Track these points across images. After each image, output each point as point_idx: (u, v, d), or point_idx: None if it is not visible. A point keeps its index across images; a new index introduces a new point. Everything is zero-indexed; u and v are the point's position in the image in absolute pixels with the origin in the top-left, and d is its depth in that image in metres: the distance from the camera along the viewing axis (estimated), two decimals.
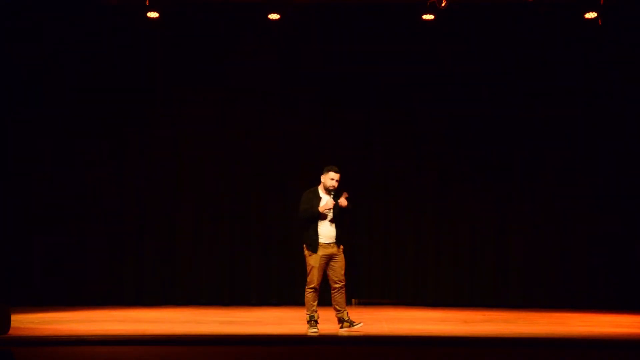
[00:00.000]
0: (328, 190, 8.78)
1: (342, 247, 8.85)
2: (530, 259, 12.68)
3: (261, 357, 7.74)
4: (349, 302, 12.71)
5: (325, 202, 8.75)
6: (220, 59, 12.87)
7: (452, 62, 12.83)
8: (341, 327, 8.86)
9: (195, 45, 12.84)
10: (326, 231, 8.76)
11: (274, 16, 12.08)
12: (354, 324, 8.86)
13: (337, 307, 8.87)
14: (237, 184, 12.88)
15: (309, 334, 8.66)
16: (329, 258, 8.80)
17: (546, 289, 12.60)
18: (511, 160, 12.79)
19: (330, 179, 8.80)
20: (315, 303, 8.80)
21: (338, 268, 8.82)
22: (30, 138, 12.62)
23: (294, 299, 12.66)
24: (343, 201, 8.74)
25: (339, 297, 8.86)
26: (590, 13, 11.75)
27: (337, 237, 8.78)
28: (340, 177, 8.85)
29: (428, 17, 11.91)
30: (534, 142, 12.74)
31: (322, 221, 8.75)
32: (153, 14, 11.89)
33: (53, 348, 7.82)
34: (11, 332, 8.45)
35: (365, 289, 12.74)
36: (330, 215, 8.75)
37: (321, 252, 8.75)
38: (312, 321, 8.75)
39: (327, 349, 8.09)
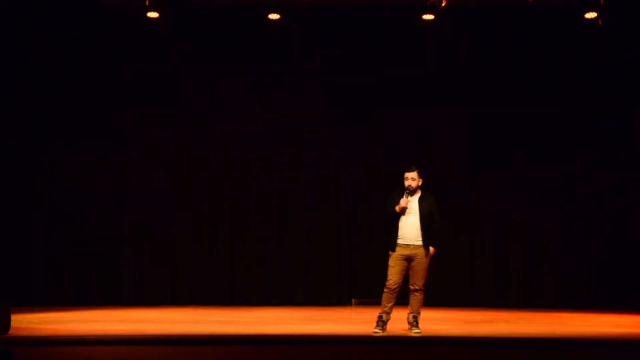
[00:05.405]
0: (406, 190, 8.65)
1: (431, 251, 8.61)
2: (530, 259, 12.68)
3: (261, 357, 7.74)
4: (348, 302, 12.79)
5: (400, 201, 8.59)
6: (220, 58, 12.87)
7: (451, 62, 12.84)
8: (410, 329, 8.67)
9: (195, 45, 12.85)
10: (408, 232, 8.58)
11: (274, 16, 12.09)
12: (412, 330, 8.64)
13: (409, 308, 8.71)
14: (237, 184, 12.88)
15: (372, 332, 8.59)
16: (409, 259, 8.61)
17: (546, 289, 12.60)
18: (511, 160, 12.79)
19: (404, 178, 8.68)
20: (390, 304, 8.59)
21: (414, 271, 8.60)
22: (28, 138, 12.62)
23: (294, 299, 12.71)
24: (401, 202, 8.60)
25: (411, 299, 8.67)
26: (590, 13, 11.76)
27: (423, 239, 8.57)
28: (418, 174, 8.66)
29: (428, 17, 11.92)
30: (533, 142, 12.74)
31: (405, 222, 8.59)
32: (153, 14, 11.90)
33: (53, 348, 7.82)
34: (11, 332, 8.45)
35: (365, 289, 12.75)
36: (412, 216, 8.57)
37: (399, 252, 8.59)
38: (379, 321, 8.59)
39: (327, 348, 8.09)
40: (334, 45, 12.88)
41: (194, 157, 12.87)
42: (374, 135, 12.93)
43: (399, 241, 8.62)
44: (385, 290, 8.63)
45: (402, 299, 8.83)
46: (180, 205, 12.82)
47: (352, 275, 12.87)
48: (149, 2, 11.62)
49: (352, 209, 12.92)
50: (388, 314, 8.64)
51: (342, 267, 12.81)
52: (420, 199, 8.69)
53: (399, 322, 8.92)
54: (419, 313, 8.69)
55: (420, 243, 8.60)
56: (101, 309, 11.70)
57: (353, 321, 10.43)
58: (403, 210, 8.61)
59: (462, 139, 12.84)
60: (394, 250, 8.63)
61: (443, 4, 11.16)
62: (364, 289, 12.80)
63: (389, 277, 8.61)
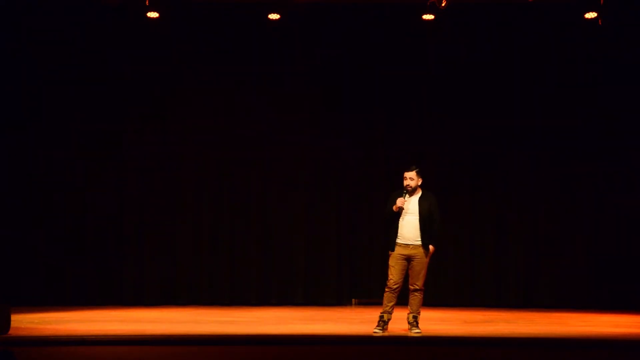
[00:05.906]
0: (404, 190, 8.65)
1: (431, 250, 8.62)
2: (530, 259, 12.68)
3: (261, 357, 7.74)
4: (348, 302, 12.79)
5: (397, 201, 8.59)
6: (220, 58, 12.87)
7: (451, 62, 12.84)
8: (410, 329, 8.70)
9: (195, 45, 12.85)
10: (407, 232, 8.60)
11: (274, 16, 12.09)
12: (412, 330, 8.66)
13: (409, 308, 8.73)
14: (238, 184, 12.87)
15: (372, 332, 8.62)
16: (409, 259, 8.63)
17: (546, 289, 12.60)
18: (511, 161, 12.78)
19: (403, 178, 8.69)
20: (391, 304, 8.61)
21: (414, 271, 8.62)
22: (28, 138, 12.61)
23: (294, 299, 12.71)
24: (398, 202, 8.60)
25: (410, 299, 8.69)
26: (590, 13, 11.76)
27: (422, 238, 8.58)
28: (418, 173, 8.68)
29: (428, 17, 11.92)
30: (533, 142, 12.73)
31: (404, 222, 8.60)
32: (153, 14, 11.90)
33: (53, 348, 7.83)
34: (11, 332, 8.45)
35: (365, 289, 12.75)
36: (412, 216, 8.59)
37: (399, 251, 8.61)
38: (380, 321, 8.61)
39: (327, 348, 8.09)
40: (334, 45, 12.87)
41: (193, 157, 12.86)
42: (374, 135, 12.93)
43: (398, 241, 8.63)
44: (386, 290, 8.65)
45: (402, 299, 8.83)
46: (180, 205, 12.81)
47: (352, 275, 12.87)
48: (149, 2, 11.62)
49: (352, 209, 12.91)
50: (389, 313, 8.65)
51: (342, 267, 12.81)
52: (420, 199, 8.69)
53: (399, 322, 8.92)
54: (419, 313, 8.70)
55: (420, 243, 8.61)
56: (101, 309, 11.70)
57: (353, 321, 10.43)
58: (400, 210, 8.61)
59: (462, 139, 12.82)
60: (393, 250, 8.64)
61: (443, 4, 11.17)
62: (364, 289, 12.80)
63: (390, 276, 8.62)
